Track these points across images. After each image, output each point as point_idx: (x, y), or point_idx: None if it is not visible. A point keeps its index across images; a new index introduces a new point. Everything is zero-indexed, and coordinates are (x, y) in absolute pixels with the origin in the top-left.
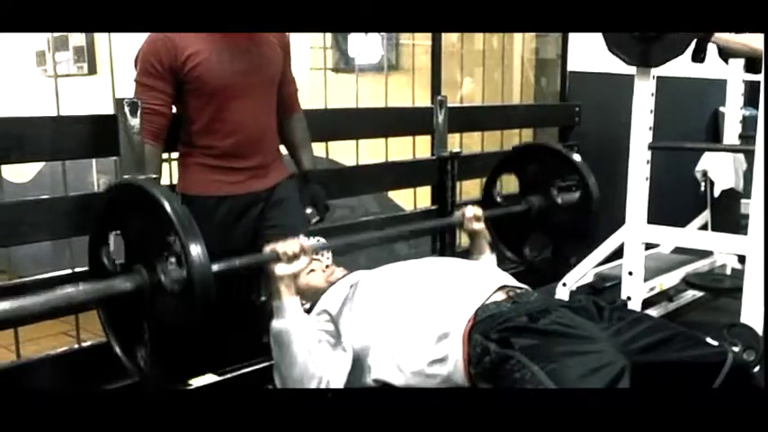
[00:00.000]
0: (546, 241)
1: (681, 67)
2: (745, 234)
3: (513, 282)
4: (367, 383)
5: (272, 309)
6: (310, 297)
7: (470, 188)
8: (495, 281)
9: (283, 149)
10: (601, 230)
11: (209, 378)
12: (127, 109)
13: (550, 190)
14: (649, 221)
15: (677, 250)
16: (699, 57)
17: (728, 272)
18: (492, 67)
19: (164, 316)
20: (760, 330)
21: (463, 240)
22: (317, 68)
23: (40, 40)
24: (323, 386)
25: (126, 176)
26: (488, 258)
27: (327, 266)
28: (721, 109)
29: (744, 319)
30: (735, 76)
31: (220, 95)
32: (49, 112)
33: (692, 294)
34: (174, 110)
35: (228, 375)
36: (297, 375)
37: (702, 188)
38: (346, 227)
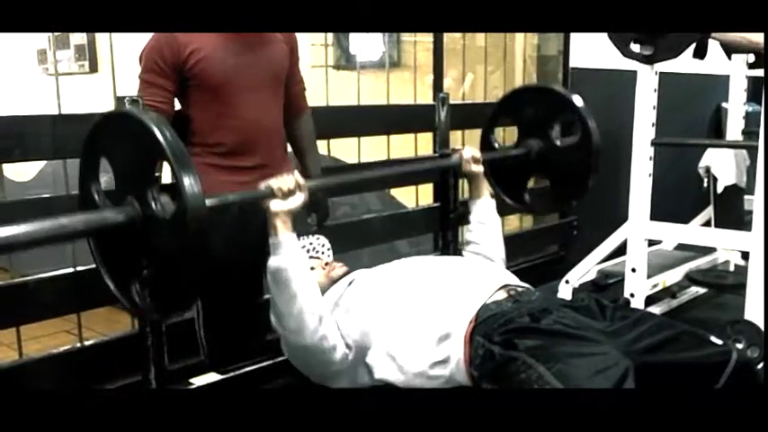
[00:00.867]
0: (546, 186)
1: (683, 62)
2: (749, 230)
3: (514, 280)
4: (368, 383)
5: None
6: None
7: None
8: (497, 280)
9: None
10: (603, 227)
11: (212, 377)
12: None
13: (549, 132)
14: (652, 218)
15: (680, 247)
16: (700, 53)
17: (732, 268)
18: (494, 63)
19: (158, 247)
20: (763, 327)
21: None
22: (318, 66)
23: (41, 38)
24: (322, 325)
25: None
26: (487, 202)
27: (327, 264)
28: (724, 105)
29: (747, 316)
30: (738, 71)
31: (223, 90)
32: (51, 110)
33: (695, 291)
34: (179, 107)
35: (231, 374)
36: (295, 311)
37: (705, 184)
38: (348, 224)
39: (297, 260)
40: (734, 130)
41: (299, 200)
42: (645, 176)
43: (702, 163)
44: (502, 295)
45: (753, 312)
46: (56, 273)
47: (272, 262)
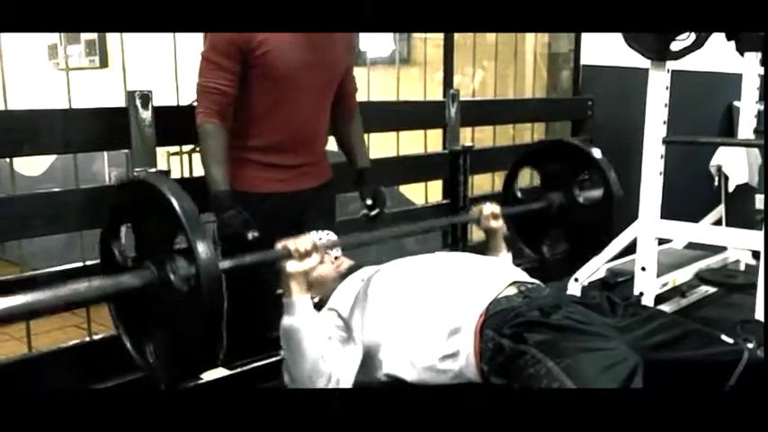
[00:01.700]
0: (562, 240)
1: (695, 60)
2: (760, 230)
3: (524, 277)
4: (378, 378)
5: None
6: (318, 288)
7: (483, 182)
8: (507, 276)
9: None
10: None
11: (220, 372)
12: (138, 102)
13: (572, 187)
14: (663, 216)
15: (690, 246)
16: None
17: (742, 268)
18: (504, 60)
19: (172, 312)
20: None
21: (475, 235)
22: None
23: (52, 33)
24: (332, 384)
25: (137, 169)
26: (504, 257)
27: (336, 258)
28: (736, 103)
29: (758, 316)
30: (750, 69)
31: (284, 84)
32: (61, 105)
33: (705, 290)
34: None
35: (239, 369)
36: (306, 373)
37: (716, 183)
38: (358, 220)
39: (310, 322)
40: (746, 128)
41: (314, 261)
42: (656, 175)
43: (714, 161)
44: (512, 291)
45: (763, 312)
46: (65, 267)
47: (286, 321)
